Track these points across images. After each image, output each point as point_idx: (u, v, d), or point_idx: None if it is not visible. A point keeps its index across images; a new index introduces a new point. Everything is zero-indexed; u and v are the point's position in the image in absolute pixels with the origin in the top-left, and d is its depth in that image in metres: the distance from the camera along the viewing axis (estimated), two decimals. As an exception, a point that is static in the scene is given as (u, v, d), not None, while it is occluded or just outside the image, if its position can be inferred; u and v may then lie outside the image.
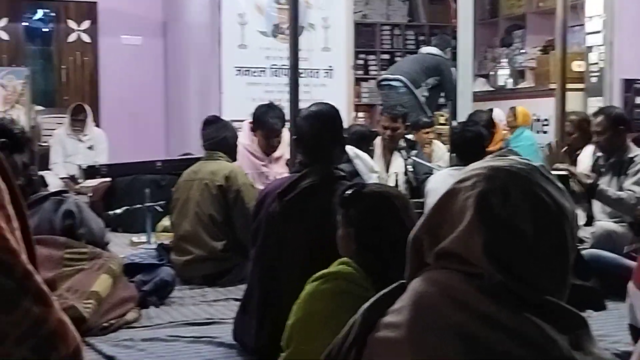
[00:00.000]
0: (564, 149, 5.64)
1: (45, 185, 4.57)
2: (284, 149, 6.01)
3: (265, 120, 5.90)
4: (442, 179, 5.19)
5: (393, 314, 1.49)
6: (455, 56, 9.81)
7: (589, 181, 5.19)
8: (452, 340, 1.39)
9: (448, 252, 1.47)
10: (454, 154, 5.61)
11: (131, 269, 4.43)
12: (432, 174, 6.47)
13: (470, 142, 5.18)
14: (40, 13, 10.40)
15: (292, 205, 3.34)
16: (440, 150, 8.04)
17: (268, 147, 6.03)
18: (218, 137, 5.28)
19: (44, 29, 10.47)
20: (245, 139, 5.99)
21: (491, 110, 8.16)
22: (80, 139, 8.63)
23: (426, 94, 8.88)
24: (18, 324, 2.29)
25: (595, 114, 5.97)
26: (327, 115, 3.53)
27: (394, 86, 8.82)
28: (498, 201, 1.44)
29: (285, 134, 5.94)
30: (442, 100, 9.59)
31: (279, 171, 5.89)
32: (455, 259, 1.46)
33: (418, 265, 1.54)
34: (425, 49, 9.49)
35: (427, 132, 8.00)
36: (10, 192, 2.46)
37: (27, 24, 10.16)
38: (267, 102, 6.08)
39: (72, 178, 7.75)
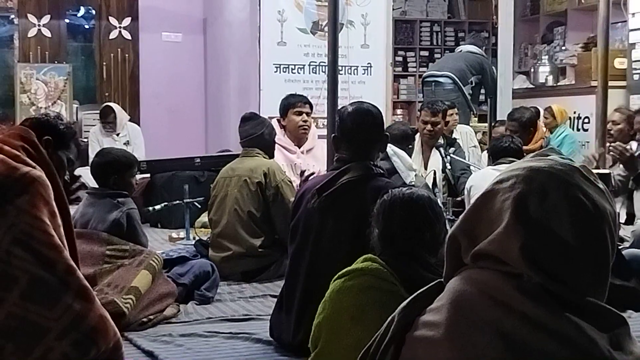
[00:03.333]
0: (608, 147, 5.59)
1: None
2: (313, 142, 6.32)
3: (293, 100, 6.22)
4: (485, 177, 5.17)
5: (431, 313, 1.49)
6: (492, 53, 9.73)
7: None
8: (491, 339, 1.38)
9: (485, 254, 1.46)
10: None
11: (165, 263, 4.45)
12: (468, 170, 6.42)
13: (508, 152, 5.34)
14: (82, 10, 10.53)
15: (331, 201, 3.34)
16: (464, 136, 7.84)
17: (300, 129, 6.18)
18: (255, 133, 5.29)
19: (85, 26, 10.60)
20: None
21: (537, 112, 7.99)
22: (115, 136, 8.68)
23: (470, 92, 8.81)
24: (59, 319, 2.33)
25: (638, 112, 5.92)
26: (368, 113, 3.52)
27: (440, 82, 8.74)
28: (536, 203, 1.42)
29: (313, 128, 6.36)
30: (481, 98, 9.52)
31: (311, 163, 6.10)
32: (493, 260, 1.45)
33: (456, 264, 1.53)
34: (465, 47, 9.40)
35: (451, 114, 7.83)
36: (54, 189, 2.49)
37: (69, 21, 10.28)
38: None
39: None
